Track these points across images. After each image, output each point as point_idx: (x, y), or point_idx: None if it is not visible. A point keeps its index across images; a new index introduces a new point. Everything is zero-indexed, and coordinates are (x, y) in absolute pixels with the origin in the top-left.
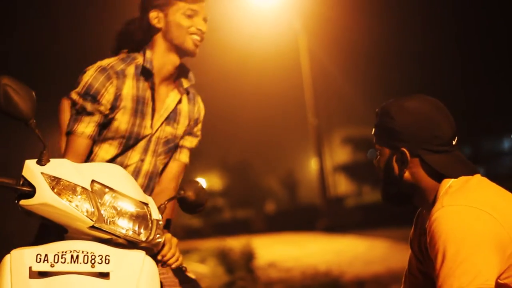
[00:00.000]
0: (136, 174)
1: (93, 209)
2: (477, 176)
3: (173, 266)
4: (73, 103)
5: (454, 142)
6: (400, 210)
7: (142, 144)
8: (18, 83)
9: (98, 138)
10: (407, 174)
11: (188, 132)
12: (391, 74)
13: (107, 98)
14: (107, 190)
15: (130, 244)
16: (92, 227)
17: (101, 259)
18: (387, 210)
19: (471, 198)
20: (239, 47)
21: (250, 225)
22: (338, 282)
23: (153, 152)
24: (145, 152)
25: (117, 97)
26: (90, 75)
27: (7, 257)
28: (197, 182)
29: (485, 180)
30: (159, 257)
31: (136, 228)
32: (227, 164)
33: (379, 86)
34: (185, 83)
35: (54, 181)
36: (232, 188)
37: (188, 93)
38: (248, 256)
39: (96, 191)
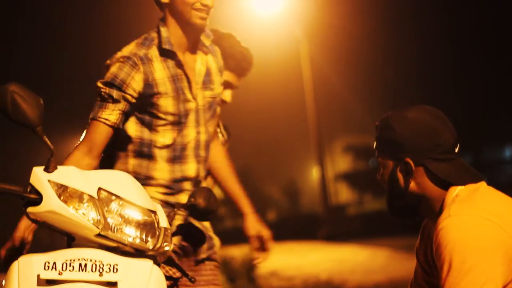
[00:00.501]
0: (197, 148)
1: (99, 217)
2: (483, 185)
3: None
4: (99, 91)
5: (456, 150)
6: (402, 219)
7: (192, 118)
8: (26, 90)
9: (152, 128)
10: (412, 185)
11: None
12: (392, 81)
13: (133, 86)
14: (114, 197)
15: (137, 252)
16: (99, 235)
17: (109, 268)
18: (388, 219)
19: (478, 207)
20: None
21: None
22: None
23: (205, 121)
24: (197, 124)
25: (150, 83)
26: (115, 66)
27: (15, 264)
28: (208, 189)
29: (491, 189)
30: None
31: (144, 236)
32: None
33: (380, 94)
34: (206, 41)
35: (61, 189)
36: None
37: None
38: (250, 265)
39: (103, 199)
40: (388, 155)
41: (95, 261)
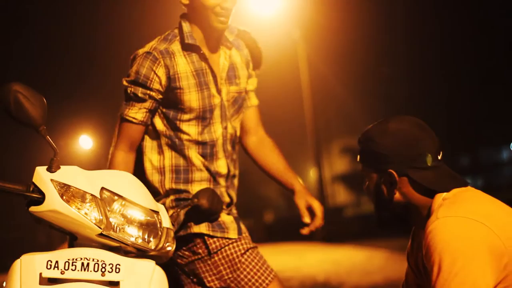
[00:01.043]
0: (224, 144)
1: (101, 217)
2: (469, 188)
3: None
4: (124, 89)
5: (439, 157)
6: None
7: (217, 113)
8: (29, 90)
9: (177, 123)
10: (397, 195)
11: (248, 76)
12: (390, 83)
13: (157, 81)
14: (116, 197)
15: (139, 252)
16: (101, 234)
17: (111, 267)
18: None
19: (465, 209)
20: None
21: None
22: None
23: (230, 116)
24: (223, 119)
25: (172, 77)
26: (137, 63)
27: (17, 262)
28: (212, 190)
29: (477, 191)
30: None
31: (146, 236)
32: None
33: (378, 95)
34: (230, 36)
35: (64, 188)
36: None
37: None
38: None
39: (105, 199)
40: (371, 168)
41: (98, 260)
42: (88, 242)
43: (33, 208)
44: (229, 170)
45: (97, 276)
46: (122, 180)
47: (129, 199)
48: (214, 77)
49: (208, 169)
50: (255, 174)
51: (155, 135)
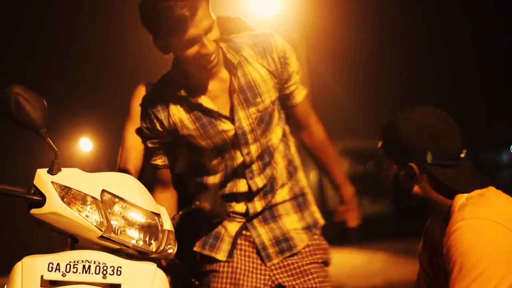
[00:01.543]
0: (248, 169)
1: (102, 219)
2: (491, 188)
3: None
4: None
5: (462, 155)
6: (399, 223)
7: (236, 141)
8: (30, 92)
9: (193, 159)
10: (416, 189)
11: (284, 81)
12: (390, 85)
13: (159, 133)
14: (117, 200)
15: (140, 254)
16: (102, 237)
17: (112, 270)
18: (386, 222)
19: (491, 211)
20: None
21: None
22: None
23: (260, 136)
24: (246, 145)
25: (171, 128)
26: (138, 115)
27: (19, 265)
28: (215, 193)
29: (498, 191)
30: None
31: (147, 239)
32: None
33: (378, 98)
34: (234, 58)
35: (64, 191)
36: None
37: (245, 60)
38: None
39: (106, 201)
40: (392, 158)
41: (99, 263)
42: (89, 245)
43: (34, 211)
44: (250, 187)
45: (99, 278)
46: (123, 183)
47: (130, 202)
48: (216, 114)
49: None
50: None
51: (181, 169)
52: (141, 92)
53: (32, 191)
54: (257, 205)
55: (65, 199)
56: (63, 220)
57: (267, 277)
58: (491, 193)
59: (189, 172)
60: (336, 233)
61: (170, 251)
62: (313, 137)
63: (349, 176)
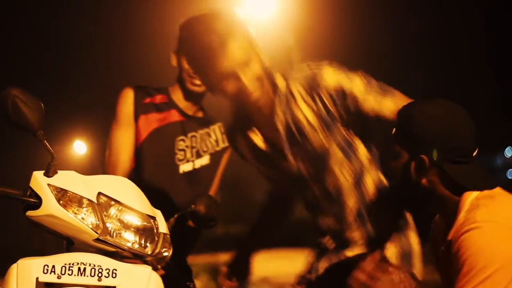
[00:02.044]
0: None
1: (98, 222)
2: (499, 190)
3: None
4: None
5: (474, 154)
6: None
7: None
8: (27, 94)
9: None
10: (424, 181)
11: (349, 111)
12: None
13: None
14: (113, 203)
15: (136, 257)
16: (97, 239)
17: (108, 272)
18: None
19: (503, 215)
20: None
21: None
22: None
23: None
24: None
25: None
26: None
27: (14, 267)
28: (210, 196)
29: (508, 194)
30: None
31: (142, 242)
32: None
33: None
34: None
35: (61, 193)
36: (225, 203)
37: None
38: None
39: (102, 204)
40: (404, 147)
41: (94, 265)
42: (84, 247)
43: (30, 213)
44: None
45: (94, 281)
46: (119, 185)
47: (126, 204)
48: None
49: None
50: (248, 179)
51: None
52: (128, 95)
53: (28, 193)
54: None
55: (61, 202)
56: (59, 222)
57: None
58: (502, 196)
59: None
60: None
61: (165, 254)
62: None
63: None
